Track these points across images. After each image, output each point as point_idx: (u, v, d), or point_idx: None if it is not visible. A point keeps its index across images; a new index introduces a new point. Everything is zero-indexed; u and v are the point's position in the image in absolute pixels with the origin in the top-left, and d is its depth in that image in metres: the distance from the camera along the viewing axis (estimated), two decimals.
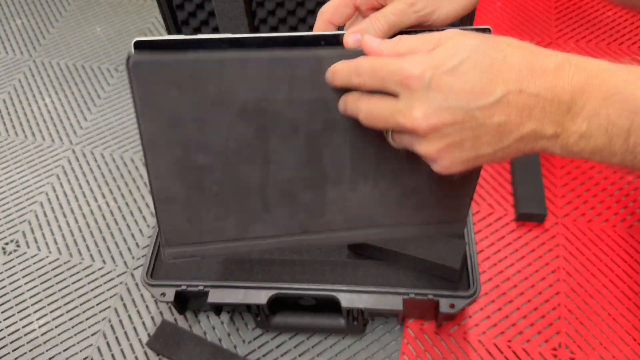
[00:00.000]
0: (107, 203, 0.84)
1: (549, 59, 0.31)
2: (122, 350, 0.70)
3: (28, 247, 0.81)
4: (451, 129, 0.31)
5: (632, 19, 0.99)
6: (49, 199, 0.86)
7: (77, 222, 0.82)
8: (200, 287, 0.62)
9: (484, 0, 1.05)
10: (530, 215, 0.74)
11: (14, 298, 0.75)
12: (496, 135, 0.31)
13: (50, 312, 0.74)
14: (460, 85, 0.30)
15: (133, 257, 0.78)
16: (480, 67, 0.30)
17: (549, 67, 0.30)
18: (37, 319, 0.73)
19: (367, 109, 0.34)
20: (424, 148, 0.32)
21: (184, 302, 0.67)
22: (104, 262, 0.78)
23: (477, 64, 0.30)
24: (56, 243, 0.80)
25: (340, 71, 0.35)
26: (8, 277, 0.77)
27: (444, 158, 0.33)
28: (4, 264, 0.79)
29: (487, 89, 0.30)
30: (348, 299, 0.60)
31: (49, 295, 0.75)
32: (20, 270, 0.78)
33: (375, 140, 0.39)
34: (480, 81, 0.30)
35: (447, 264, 0.59)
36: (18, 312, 0.74)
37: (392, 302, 0.60)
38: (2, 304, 0.75)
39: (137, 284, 0.75)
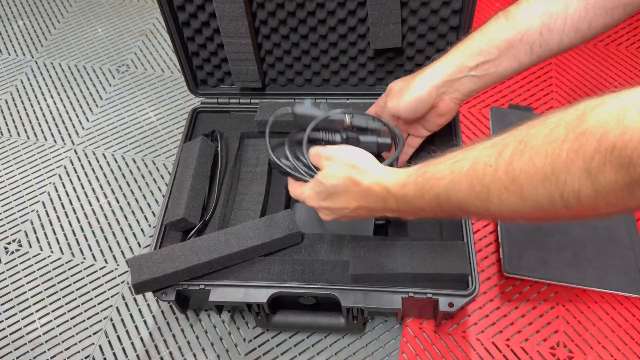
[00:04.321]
0: (108, 203, 0.85)
1: (366, 179, 0.52)
2: (123, 349, 0.70)
3: (30, 246, 0.81)
4: (338, 217, 0.57)
5: (631, 20, 1.00)
6: (51, 199, 0.86)
7: (79, 221, 0.83)
8: (202, 286, 0.63)
9: (483, 0, 1.05)
10: None
11: (15, 297, 0.76)
12: (360, 215, 0.56)
13: (52, 311, 0.74)
14: (332, 205, 0.55)
15: None
16: (338, 197, 0.54)
17: (367, 188, 0.52)
18: (39, 318, 0.74)
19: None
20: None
21: (185, 301, 0.68)
22: (105, 261, 0.78)
23: (335, 195, 0.54)
24: (58, 242, 0.81)
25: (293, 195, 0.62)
26: (10, 276, 0.78)
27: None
28: (6, 263, 0.79)
29: (346, 205, 0.54)
30: (348, 298, 0.61)
31: (51, 295, 0.76)
32: (22, 270, 0.78)
33: None
34: (341, 203, 0.54)
35: (459, 271, 0.60)
36: (20, 311, 0.74)
37: (392, 301, 0.60)
38: (4, 303, 0.75)
39: None
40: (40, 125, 0.97)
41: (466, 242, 0.63)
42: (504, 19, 0.55)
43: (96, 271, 0.77)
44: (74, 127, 0.96)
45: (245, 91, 0.82)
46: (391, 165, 0.59)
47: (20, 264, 0.79)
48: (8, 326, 0.73)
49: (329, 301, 0.62)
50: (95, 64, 1.05)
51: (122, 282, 0.76)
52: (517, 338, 0.67)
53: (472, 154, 0.43)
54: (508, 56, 0.55)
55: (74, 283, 0.77)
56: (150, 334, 0.71)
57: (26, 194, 0.87)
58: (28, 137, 0.95)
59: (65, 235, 0.82)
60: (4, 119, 0.98)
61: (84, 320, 0.73)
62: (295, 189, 0.60)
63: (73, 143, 0.93)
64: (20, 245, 0.81)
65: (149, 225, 0.82)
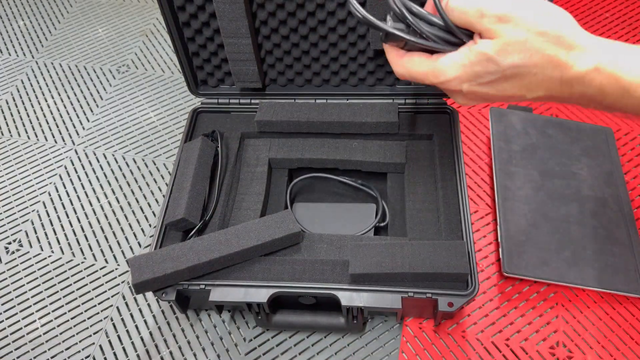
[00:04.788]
0: (109, 203, 0.85)
1: (581, 61, 0.34)
2: (124, 349, 0.70)
3: (31, 246, 0.81)
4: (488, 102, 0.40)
5: (631, 20, 1.00)
6: (51, 199, 0.86)
7: (79, 221, 0.83)
8: (202, 286, 0.63)
9: None
10: None
11: (16, 297, 0.76)
12: (535, 101, 0.39)
13: (53, 311, 0.74)
14: (497, 93, 0.38)
15: None
16: (513, 82, 0.36)
17: (579, 75, 0.35)
18: (39, 318, 0.74)
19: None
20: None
21: (185, 300, 0.68)
22: (106, 261, 0.79)
23: (510, 79, 0.36)
24: (59, 242, 0.81)
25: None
26: (10, 276, 0.78)
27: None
28: (6, 263, 0.80)
29: (524, 93, 0.37)
30: (348, 298, 0.61)
31: (51, 295, 0.76)
32: (23, 270, 0.79)
33: None
34: (512, 91, 0.37)
35: (458, 271, 0.60)
36: (20, 311, 0.75)
37: (391, 300, 0.60)
38: (5, 303, 0.75)
39: None
40: (40, 126, 0.97)
41: (465, 242, 0.63)
42: None
43: (96, 271, 0.78)
44: (75, 127, 0.96)
45: (246, 91, 0.82)
46: None
47: (21, 264, 0.79)
48: (8, 326, 0.73)
49: (328, 301, 0.62)
50: (95, 64, 1.06)
51: (122, 282, 0.76)
52: (516, 338, 0.67)
53: None
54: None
55: (74, 283, 0.77)
56: (151, 333, 0.71)
57: (27, 194, 0.87)
58: (28, 137, 0.95)
59: (65, 235, 0.82)
60: (5, 119, 0.98)
61: (85, 320, 0.73)
62: (417, 64, 0.38)
63: (73, 143, 0.94)
64: (21, 245, 0.82)
65: (149, 225, 0.82)
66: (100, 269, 0.78)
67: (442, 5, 0.37)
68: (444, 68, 0.38)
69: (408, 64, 0.39)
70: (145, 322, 0.73)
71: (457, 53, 0.37)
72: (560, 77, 0.35)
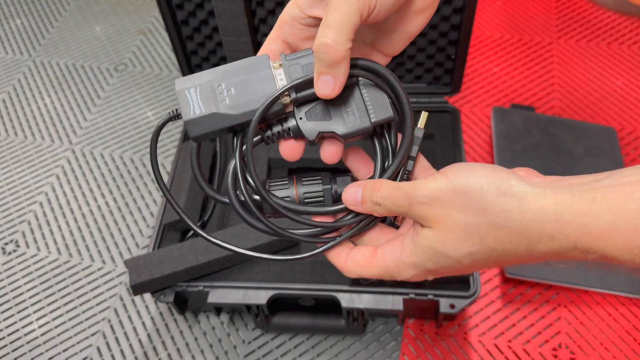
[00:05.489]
0: (106, 203, 0.84)
1: (545, 239, 0.27)
2: (121, 351, 0.70)
3: (27, 247, 0.80)
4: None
5: (633, 19, 0.99)
6: (48, 199, 0.85)
7: (76, 222, 0.82)
8: (200, 288, 0.62)
9: (484, 0, 1.05)
10: None
11: (13, 298, 0.75)
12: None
13: (50, 312, 0.73)
14: (464, 272, 0.32)
15: None
16: (478, 265, 0.30)
17: (552, 252, 0.28)
18: (37, 319, 0.73)
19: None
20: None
21: (183, 302, 0.67)
22: (103, 262, 0.78)
23: (472, 264, 0.30)
24: (56, 243, 0.80)
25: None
26: (7, 277, 0.77)
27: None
28: (3, 264, 0.79)
29: (481, 267, 0.31)
30: (348, 299, 0.60)
31: (49, 296, 0.75)
32: (20, 271, 0.78)
33: None
34: (482, 268, 0.31)
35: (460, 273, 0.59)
36: (18, 313, 0.74)
37: (393, 302, 0.60)
38: (2, 304, 0.75)
39: None
40: (37, 125, 0.96)
41: None
42: None
43: (94, 272, 0.77)
44: (72, 126, 0.95)
45: None
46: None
47: (18, 264, 0.78)
48: (6, 327, 0.73)
49: (328, 302, 0.62)
50: (93, 62, 1.05)
51: (120, 283, 0.75)
52: (519, 339, 0.66)
53: None
54: None
55: (72, 284, 0.76)
56: (149, 335, 0.71)
57: (24, 194, 0.87)
58: (25, 137, 0.94)
59: (63, 235, 0.81)
60: (2, 118, 0.97)
61: (82, 322, 0.72)
62: (365, 269, 0.34)
63: (71, 143, 0.93)
64: (18, 246, 0.81)
65: (147, 226, 0.81)
66: (98, 269, 0.77)
67: (371, 198, 0.32)
68: (396, 270, 0.32)
69: (355, 269, 0.34)
70: (143, 323, 0.72)
71: (404, 250, 0.31)
72: (530, 254, 0.28)
